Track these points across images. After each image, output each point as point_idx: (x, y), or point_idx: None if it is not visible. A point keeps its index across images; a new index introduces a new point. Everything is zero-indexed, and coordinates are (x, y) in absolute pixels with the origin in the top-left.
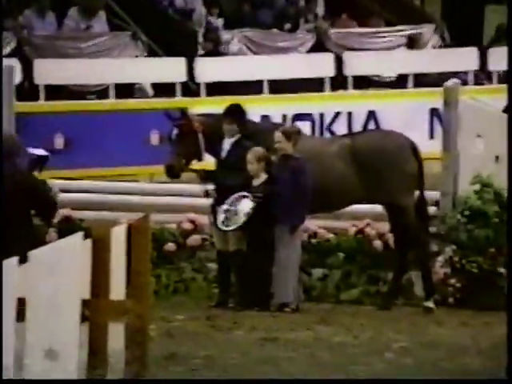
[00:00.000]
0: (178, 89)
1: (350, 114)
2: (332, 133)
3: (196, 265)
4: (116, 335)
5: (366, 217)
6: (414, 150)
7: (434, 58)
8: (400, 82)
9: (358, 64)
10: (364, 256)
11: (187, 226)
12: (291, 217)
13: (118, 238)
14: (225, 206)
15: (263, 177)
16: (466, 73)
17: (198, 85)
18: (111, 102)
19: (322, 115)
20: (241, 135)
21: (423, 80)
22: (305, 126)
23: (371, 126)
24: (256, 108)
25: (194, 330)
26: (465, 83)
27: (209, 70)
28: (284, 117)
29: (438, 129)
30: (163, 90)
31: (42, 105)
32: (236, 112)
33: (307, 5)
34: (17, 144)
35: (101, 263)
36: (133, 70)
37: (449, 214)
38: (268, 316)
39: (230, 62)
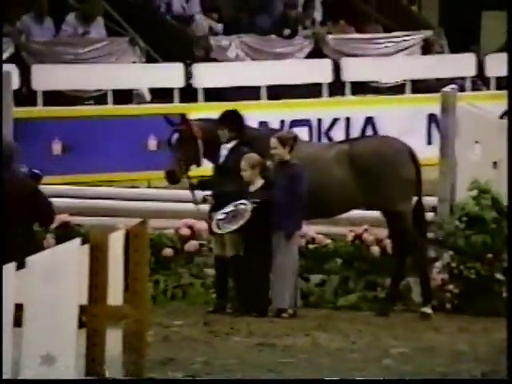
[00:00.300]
0: (176, 94)
1: (347, 119)
2: (330, 139)
3: (194, 270)
4: (114, 341)
5: (364, 222)
6: (412, 155)
7: (432, 64)
8: (398, 87)
9: (355, 70)
10: (362, 262)
11: (185, 231)
12: (287, 223)
13: (116, 243)
14: (222, 212)
15: (259, 182)
16: (463, 79)
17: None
18: (109, 108)
19: (319, 121)
20: (238, 141)
21: (421, 86)
22: (303, 132)
23: (369, 131)
24: (254, 114)
25: (191, 336)
26: (462, 89)
27: (207, 75)
28: (282, 122)
29: (436, 135)
30: (161, 95)
31: (40, 110)
32: (229, 118)
33: (305, 11)
34: (15, 150)
35: (98, 269)
36: (131, 75)
37: (446, 220)
38: (266, 321)
39: (227, 67)
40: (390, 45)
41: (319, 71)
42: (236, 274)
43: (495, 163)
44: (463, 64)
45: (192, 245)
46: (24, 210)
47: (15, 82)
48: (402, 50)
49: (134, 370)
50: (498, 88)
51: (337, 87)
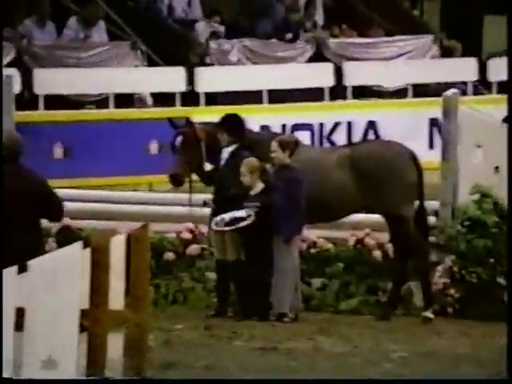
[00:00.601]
0: (178, 98)
1: (349, 124)
2: (332, 143)
3: (195, 274)
4: (115, 345)
5: (366, 227)
6: (414, 159)
7: (434, 69)
8: (399, 91)
9: (357, 74)
10: (363, 266)
11: (186, 235)
12: (286, 227)
13: (117, 247)
14: (221, 217)
15: (260, 187)
16: (465, 83)
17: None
18: (110, 112)
19: (321, 125)
20: (238, 145)
21: (423, 90)
22: (304, 136)
23: (371, 136)
24: (255, 118)
25: (192, 340)
26: (464, 93)
27: (208, 79)
28: (283, 127)
29: (438, 139)
30: (163, 99)
31: (42, 114)
32: (229, 122)
33: (307, 15)
34: (20, 143)
35: (100, 273)
36: (132, 79)
37: (448, 224)
38: (267, 325)
39: (229, 71)
40: (391, 49)
41: (321, 75)
42: (237, 279)
43: (497, 167)
44: (465, 68)
45: (193, 249)
46: (36, 204)
47: (17, 86)
48: (403, 54)
49: (135, 374)
50: (500, 92)
51: (338, 91)
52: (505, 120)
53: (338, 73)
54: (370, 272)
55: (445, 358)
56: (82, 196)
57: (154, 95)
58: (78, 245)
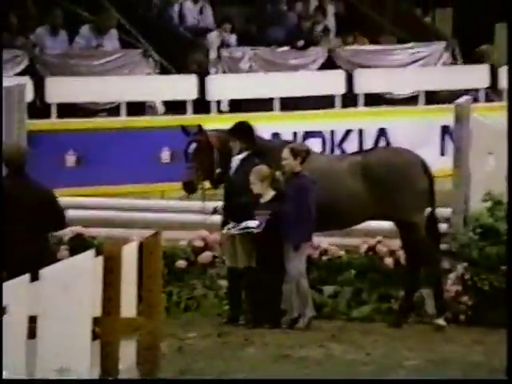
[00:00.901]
0: (190, 106)
1: (360, 131)
2: (343, 150)
3: (207, 282)
4: (127, 352)
5: (378, 234)
6: (425, 167)
7: (445, 76)
8: (411, 99)
9: (368, 81)
10: (375, 273)
11: (198, 243)
12: (295, 234)
13: (130, 255)
14: (231, 227)
15: (270, 194)
16: (476, 90)
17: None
18: (122, 120)
19: (332, 132)
20: (249, 152)
21: (434, 97)
22: (315, 144)
23: (382, 143)
24: (267, 125)
25: (205, 347)
26: (475, 100)
27: (220, 87)
28: (295, 134)
29: (450, 146)
30: (175, 107)
31: (54, 123)
32: (240, 129)
33: (319, 22)
34: (25, 154)
35: (112, 281)
36: (144, 87)
37: (460, 232)
38: (279, 333)
39: (241, 79)
40: (403, 56)
41: (332, 83)
42: (248, 286)
43: None
44: (476, 75)
45: (205, 256)
46: (40, 215)
47: (29, 95)
48: (415, 62)
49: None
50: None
51: (350, 99)
52: None
53: (350, 80)
54: (381, 279)
55: (457, 366)
56: (94, 204)
57: (166, 103)
58: (91, 253)
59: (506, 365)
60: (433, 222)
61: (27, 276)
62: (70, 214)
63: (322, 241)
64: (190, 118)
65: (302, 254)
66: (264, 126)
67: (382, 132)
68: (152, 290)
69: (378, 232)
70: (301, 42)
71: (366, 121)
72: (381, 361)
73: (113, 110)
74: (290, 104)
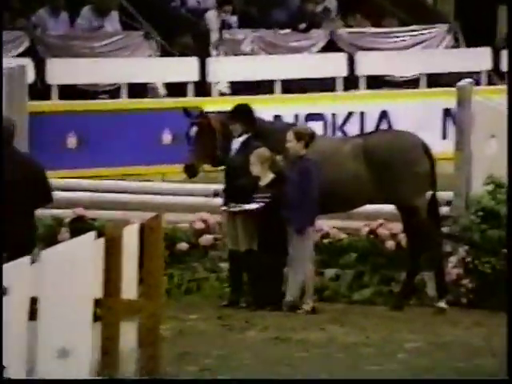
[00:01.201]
0: (191, 88)
1: (362, 114)
2: (344, 133)
3: (208, 264)
4: (128, 334)
5: (379, 217)
6: (426, 150)
7: (447, 58)
8: (413, 81)
9: (370, 64)
10: (376, 256)
11: (199, 225)
12: (297, 218)
13: (131, 237)
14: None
15: (269, 177)
16: (478, 73)
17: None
18: (124, 102)
19: (334, 115)
20: (249, 135)
21: (436, 80)
22: (317, 126)
23: (384, 126)
24: (268, 108)
25: (206, 330)
26: (477, 83)
27: (221, 69)
28: (296, 117)
29: (451, 129)
30: (176, 89)
31: (55, 104)
32: (240, 112)
33: (319, 3)
34: (12, 125)
35: (113, 262)
36: (145, 69)
37: (462, 215)
38: (280, 316)
39: (242, 61)
40: (405, 39)
41: (334, 65)
42: (249, 269)
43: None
44: (479, 58)
45: (206, 239)
46: (28, 188)
47: (30, 76)
48: (417, 44)
49: (149, 363)
50: None
51: (351, 81)
52: None
53: (351, 63)
54: (383, 262)
55: (459, 348)
56: (94, 186)
57: (167, 85)
58: (91, 234)
59: (506, 365)
60: (434, 205)
61: (28, 258)
62: (71, 196)
63: (323, 223)
64: (191, 101)
65: (307, 239)
66: (266, 108)
67: (383, 115)
68: (153, 272)
69: (380, 215)
70: (303, 25)
71: (368, 103)
72: (382, 343)
73: (114, 92)
74: (295, 86)
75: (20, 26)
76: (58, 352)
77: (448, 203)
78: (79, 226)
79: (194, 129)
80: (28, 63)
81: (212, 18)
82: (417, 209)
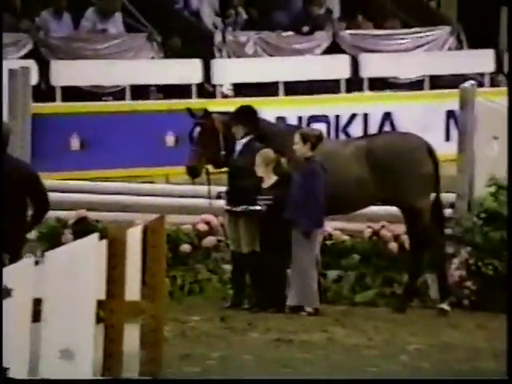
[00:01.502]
0: (194, 90)
1: (365, 115)
2: (348, 135)
3: (211, 266)
4: (131, 336)
5: (382, 219)
6: (430, 151)
7: (451, 60)
8: (416, 83)
9: (373, 66)
10: (379, 258)
11: (202, 227)
12: (304, 220)
13: (134, 238)
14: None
15: (273, 179)
16: (482, 75)
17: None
18: (127, 104)
19: (337, 117)
20: (252, 137)
21: (439, 82)
22: (320, 128)
23: (387, 127)
24: (271, 110)
25: (208, 331)
26: (481, 85)
27: (225, 71)
28: (299, 119)
29: (454, 131)
30: (178, 91)
31: (59, 106)
32: (243, 114)
33: (321, 4)
34: (6, 131)
35: (116, 264)
36: (149, 71)
37: (464, 216)
38: (283, 317)
39: (245, 63)
40: (408, 40)
41: (337, 67)
42: (252, 270)
43: None
44: (482, 60)
45: (209, 240)
46: (21, 194)
47: (34, 78)
48: (420, 46)
49: (151, 365)
50: None
51: (355, 83)
52: None
53: (355, 65)
54: (385, 264)
55: (461, 351)
56: (98, 188)
57: (170, 87)
58: (95, 236)
59: (506, 365)
60: (438, 206)
61: (32, 259)
62: (75, 197)
63: (326, 225)
64: (194, 103)
65: (313, 241)
66: (269, 110)
67: (387, 116)
68: (156, 273)
69: (383, 217)
70: (306, 28)
71: (371, 105)
72: (384, 345)
73: (117, 94)
74: (300, 88)
75: (23, 28)
76: (61, 353)
77: (451, 205)
78: (83, 228)
79: (197, 129)
80: (32, 65)
81: (213, 19)
82: (420, 210)
